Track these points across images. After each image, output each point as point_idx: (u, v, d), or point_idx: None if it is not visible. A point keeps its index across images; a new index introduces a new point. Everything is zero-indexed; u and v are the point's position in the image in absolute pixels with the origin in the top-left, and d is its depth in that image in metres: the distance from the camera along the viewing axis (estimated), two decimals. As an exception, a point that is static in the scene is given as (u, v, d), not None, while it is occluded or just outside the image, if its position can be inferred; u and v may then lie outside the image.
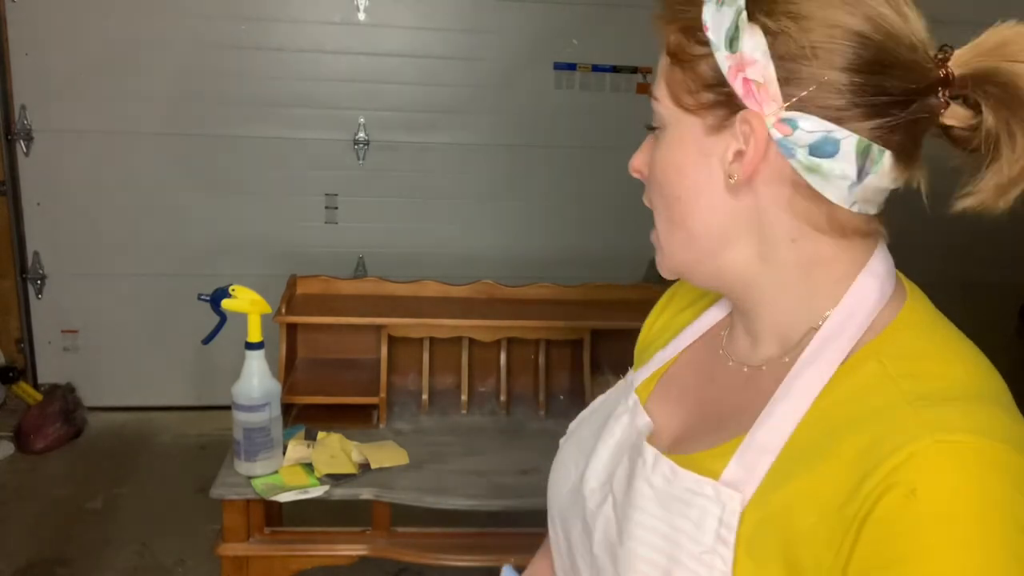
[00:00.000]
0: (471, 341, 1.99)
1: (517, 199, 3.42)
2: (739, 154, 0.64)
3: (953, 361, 0.63)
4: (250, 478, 1.56)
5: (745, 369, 0.73)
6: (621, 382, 0.85)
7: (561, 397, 2.01)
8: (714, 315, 0.82)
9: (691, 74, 0.66)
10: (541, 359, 2.00)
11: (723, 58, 0.63)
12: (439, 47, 3.25)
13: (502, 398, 1.97)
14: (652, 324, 0.91)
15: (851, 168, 0.62)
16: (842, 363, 0.64)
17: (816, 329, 0.67)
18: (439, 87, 3.27)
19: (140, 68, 3.07)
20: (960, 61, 0.62)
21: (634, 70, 3.36)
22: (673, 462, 0.68)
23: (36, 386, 3.25)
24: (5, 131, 3.06)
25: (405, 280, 2.15)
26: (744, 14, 0.62)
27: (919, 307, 0.68)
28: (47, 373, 3.29)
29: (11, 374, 3.20)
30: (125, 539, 2.50)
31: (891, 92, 0.61)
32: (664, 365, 0.81)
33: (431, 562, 1.62)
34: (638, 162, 0.74)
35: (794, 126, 0.62)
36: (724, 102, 0.64)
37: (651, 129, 0.71)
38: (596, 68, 3.35)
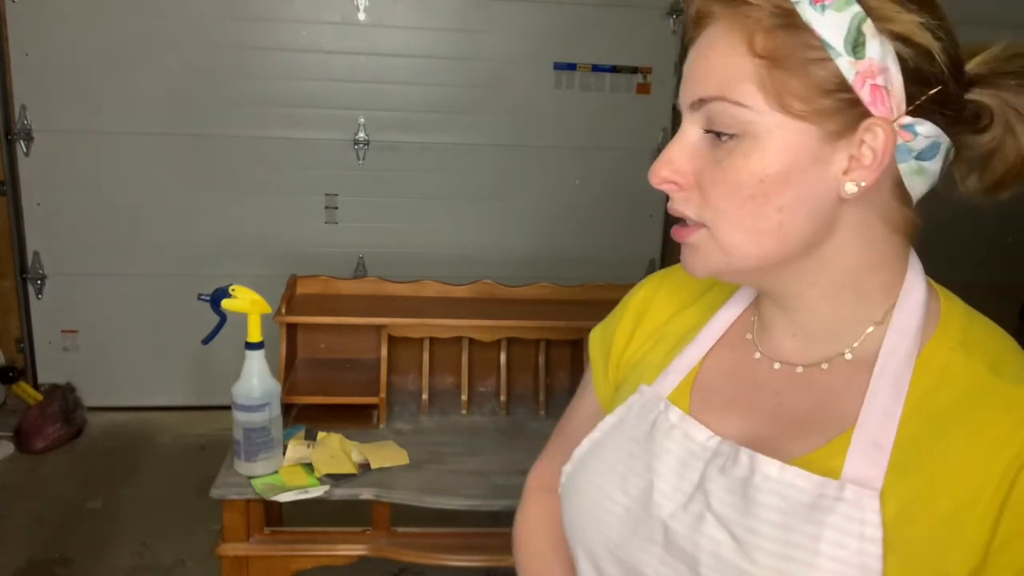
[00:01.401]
0: (471, 341, 1.99)
1: (517, 199, 3.42)
2: (852, 160, 0.64)
3: (1001, 342, 0.70)
4: (250, 478, 1.56)
5: (800, 370, 0.72)
6: (635, 397, 0.79)
7: (561, 397, 2.02)
8: (728, 316, 0.80)
9: (803, 79, 0.62)
10: (541, 359, 2.00)
11: (847, 64, 0.62)
12: (439, 47, 3.25)
13: (502, 398, 1.97)
14: (631, 334, 0.87)
15: (938, 169, 0.68)
16: (918, 355, 0.67)
17: (879, 324, 0.70)
18: (439, 87, 3.27)
19: (140, 68, 3.07)
20: (973, 68, 0.67)
21: (634, 70, 3.35)
22: (800, 469, 0.65)
23: (36, 386, 3.25)
24: (5, 131, 3.06)
25: (405, 280, 2.15)
26: (869, 21, 0.62)
27: (952, 298, 0.73)
28: (47, 373, 3.29)
29: (11, 374, 3.20)
30: (125, 539, 2.50)
31: (960, 98, 0.66)
32: (689, 375, 0.78)
33: (431, 562, 1.61)
34: (670, 171, 0.68)
35: (914, 132, 0.64)
36: (845, 108, 0.63)
37: (717, 135, 0.66)
38: (596, 68, 3.35)
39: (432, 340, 1.98)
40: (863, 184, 0.64)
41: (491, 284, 2.14)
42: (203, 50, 3.10)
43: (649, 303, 0.87)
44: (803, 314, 0.72)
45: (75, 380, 3.21)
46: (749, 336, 0.78)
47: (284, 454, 1.62)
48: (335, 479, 1.58)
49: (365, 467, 1.63)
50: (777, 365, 0.74)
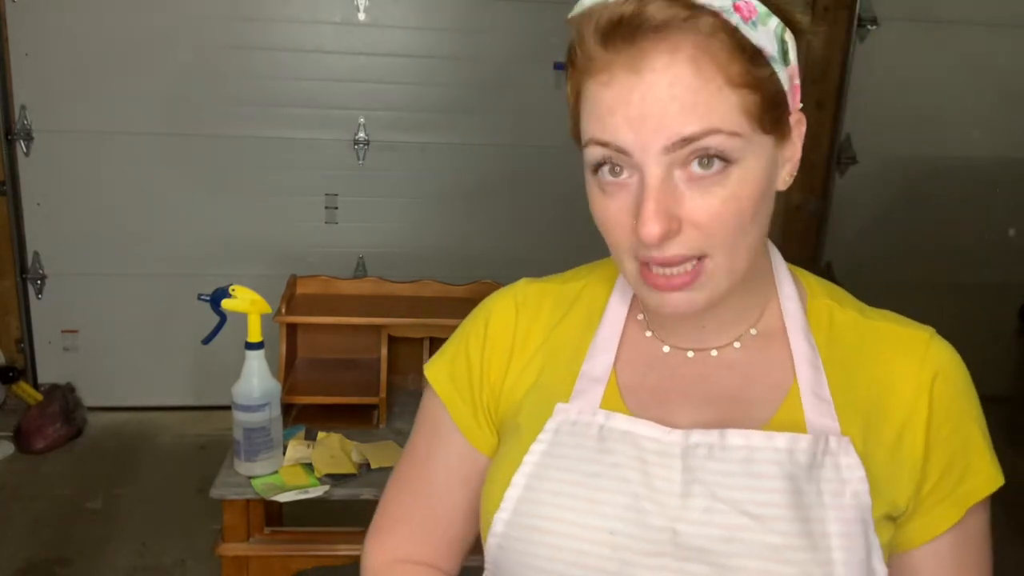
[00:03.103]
0: (471, 341, 1.99)
1: (517, 199, 3.42)
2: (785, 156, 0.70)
3: (843, 291, 0.79)
4: (250, 478, 1.56)
5: (714, 353, 0.75)
6: (556, 419, 0.74)
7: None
8: (616, 318, 0.79)
9: (764, 95, 0.64)
10: (541, 359, 2.00)
11: (783, 72, 0.66)
12: (439, 47, 3.25)
13: (502, 398, 1.97)
14: (507, 362, 0.80)
15: None
16: (807, 314, 0.75)
17: (772, 299, 0.76)
18: (439, 87, 3.27)
19: (140, 68, 3.07)
20: None
21: (634, 70, 3.35)
22: (791, 433, 0.69)
23: (36, 386, 3.25)
24: (5, 131, 3.05)
25: (405, 280, 2.15)
26: (786, 29, 0.66)
27: (792, 265, 0.80)
28: (47, 373, 3.28)
29: (11, 374, 3.20)
30: (125, 539, 2.49)
31: None
32: (608, 382, 0.76)
33: (431, 562, 1.61)
34: (668, 221, 0.63)
35: (799, 112, 0.70)
36: (782, 113, 0.67)
37: (722, 161, 0.63)
38: (596, 68, 3.35)
39: (432, 340, 1.98)
40: (794, 174, 0.70)
41: (490, 284, 2.14)
42: (203, 50, 3.10)
43: (513, 329, 0.81)
44: (716, 308, 0.72)
45: (75, 380, 3.21)
46: (649, 334, 0.78)
47: (284, 454, 1.62)
48: (335, 479, 1.58)
49: (365, 467, 1.63)
50: (690, 353, 0.76)
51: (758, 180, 0.65)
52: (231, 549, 1.57)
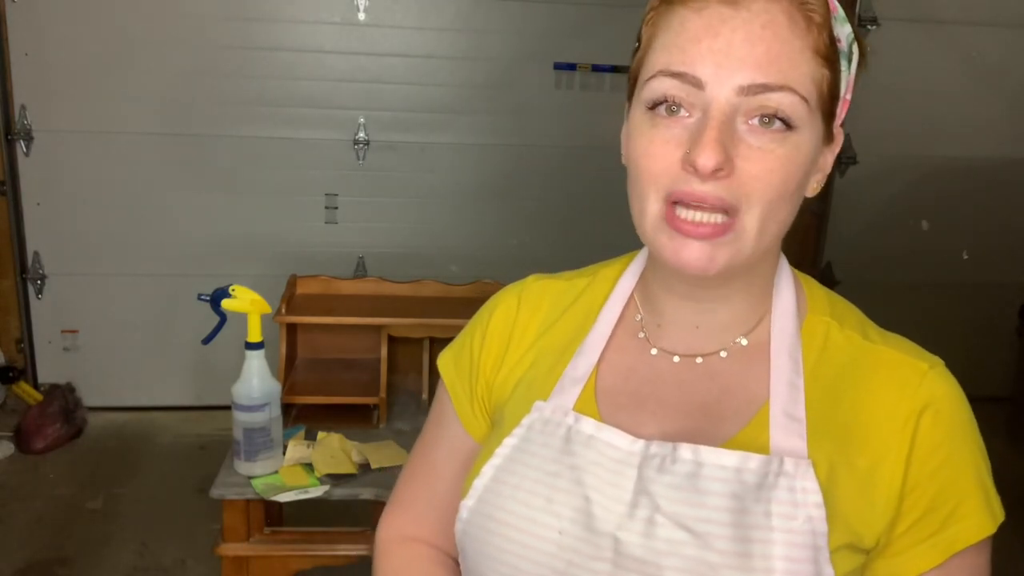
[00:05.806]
0: (471, 341, 1.99)
1: (517, 199, 3.42)
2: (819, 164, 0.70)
3: (855, 311, 0.76)
4: (250, 478, 1.56)
5: (699, 360, 0.74)
6: (532, 415, 0.75)
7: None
8: (609, 320, 0.78)
9: (833, 78, 0.66)
10: (541, 359, 2.00)
11: (846, 75, 0.67)
12: (439, 47, 3.25)
13: (502, 398, 1.97)
14: (501, 357, 0.82)
15: None
16: (800, 330, 0.73)
17: (769, 310, 0.74)
18: (439, 87, 3.27)
19: (140, 68, 3.07)
20: None
21: (634, 70, 3.35)
22: (746, 452, 0.67)
23: (36, 386, 3.25)
24: (5, 131, 3.05)
25: (405, 280, 2.15)
26: (855, 41, 0.67)
27: (808, 278, 0.78)
28: (47, 373, 3.28)
29: (11, 374, 3.20)
30: (125, 539, 2.49)
31: None
32: (588, 383, 0.75)
33: (431, 562, 1.61)
34: (725, 155, 0.62)
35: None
36: (830, 116, 0.67)
37: (784, 125, 0.63)
38: (596, 68, 3.34)
39: (432, 340, 1.98)
40: (822, 184, 0.71)
41: (490, 284, 2.14)
42: (203, 50, 3.10)
43: (512, 323, 0.83)
44: (716, 305, 0.73)
45: (75, 380, 3.21)
46: (641, 335, 0.77)
47: (284, 454, 1.62)
48: (335, 479, 1.58)
49: (365, 467, 1.63)
50: (676, 359, 0.75)
51: (807, 157, 0.65)
52: (231, 549, 1.57)
